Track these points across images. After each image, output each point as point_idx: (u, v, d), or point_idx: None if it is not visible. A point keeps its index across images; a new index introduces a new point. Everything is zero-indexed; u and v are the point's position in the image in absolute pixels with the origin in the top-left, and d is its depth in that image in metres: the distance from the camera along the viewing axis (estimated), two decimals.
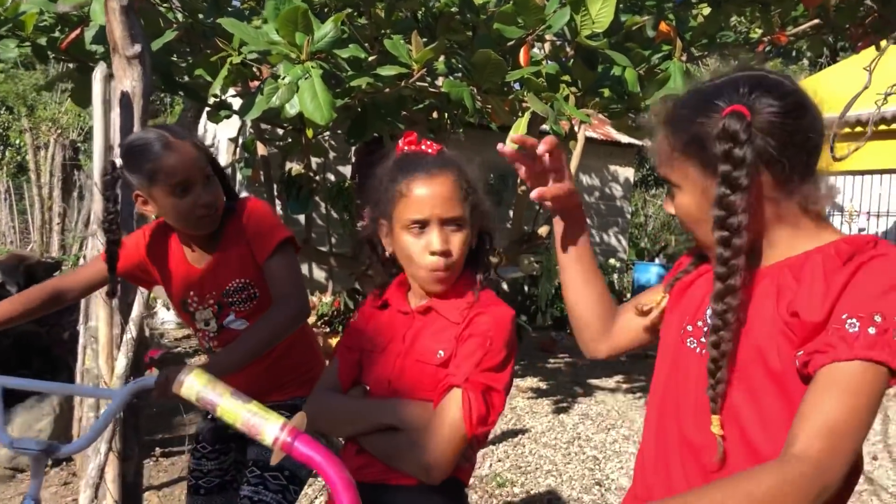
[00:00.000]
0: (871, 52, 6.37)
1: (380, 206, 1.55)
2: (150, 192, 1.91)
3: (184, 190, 1.90)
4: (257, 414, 0.92)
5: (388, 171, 1.55)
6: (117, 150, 2.37)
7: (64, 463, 3.96)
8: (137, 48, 2.57)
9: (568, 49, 4.57)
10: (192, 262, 2.06)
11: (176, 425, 4.81)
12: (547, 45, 5.02)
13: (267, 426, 0.91)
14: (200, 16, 4.84)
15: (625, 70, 4.20)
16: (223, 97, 6.17)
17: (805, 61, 16.57)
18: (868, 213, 10.47)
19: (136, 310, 2.66)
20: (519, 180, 6.91)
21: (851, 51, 12.43)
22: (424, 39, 4.01)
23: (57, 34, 4.99)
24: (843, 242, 1.08)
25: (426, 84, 4.13)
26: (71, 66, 5.17)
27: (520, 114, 4.05)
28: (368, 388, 1.58)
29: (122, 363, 2.60)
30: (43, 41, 5.01)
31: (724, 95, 1.12)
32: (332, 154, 9.71)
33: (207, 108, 6.01)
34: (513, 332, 1.49)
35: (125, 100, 2.58)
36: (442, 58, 3.96)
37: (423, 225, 1.47)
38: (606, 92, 4.26)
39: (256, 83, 5.35)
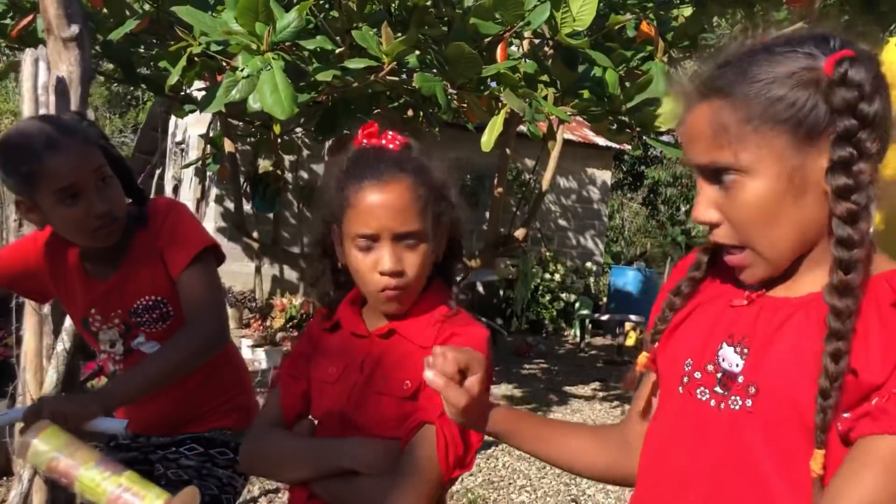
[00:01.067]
0: None
1: (332, 209, 1.34)
2: (32, 199, 1.60)
3: (73, 197, 1.58)
4: (129, 489, 0.70)
5: (341, 171, 1.33)
6: None
7: (4, 478, 3.71)
8: (75, 29, 2.33)
9: (546, 49, 4.40)
10: (94, 274, 1.77)
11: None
12: (525, 44, 4.83)
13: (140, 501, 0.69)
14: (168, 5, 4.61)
15: (605, 71, 4.03)
16: (190, 91, 5.94)
17: None
18: None
19: (69, 320, 2.42)
20: (496, 181, 6.73)
21: None
22: (398, 34, 3.81)
23: (8, 21, 4.74)
24: (887, 279, 0.88)
25: (398, 79, 3.92)
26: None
27: (496, 112, 3.85)
28: (317, 422, 1.37)
29: (51, 377, 2.36)
30: None
31: (811, 44, 0.89)
32: (305, 152, 9.48)
33: (171, 101, 5.76)
34: (489, 356, 1.26)
35: (61, 86, 2.34)
36: (415, 52, 3.74)
37: (372, 239, 1.26)
38: (586, 93, 4.08)
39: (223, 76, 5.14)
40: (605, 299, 11.72)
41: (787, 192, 0.89)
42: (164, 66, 4.89)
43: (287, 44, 3.30)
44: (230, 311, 8.19)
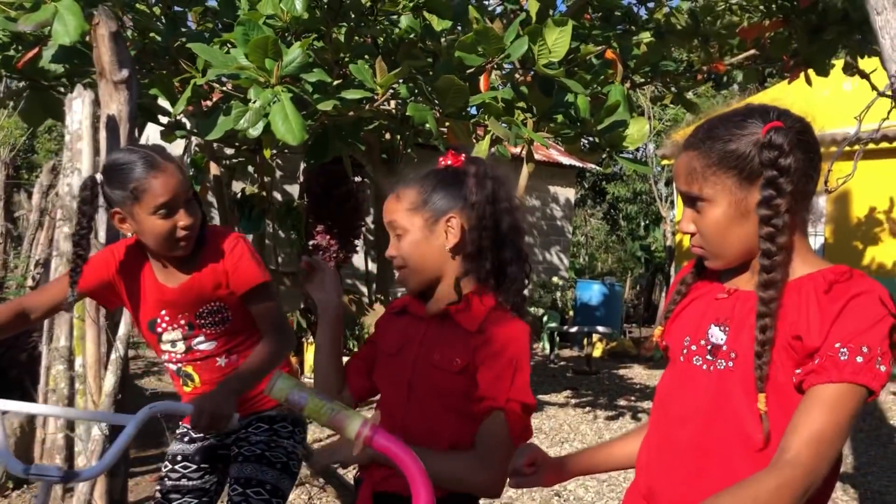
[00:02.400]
0: (799, 81, 6.78)
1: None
2: (131, 210, 1.91)
3: (168, 211, 1.90)
4: (340, 412, 1.02)
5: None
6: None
7: (25, 486, 3.92)
8: (125, 73, 2.63)
9: (517, 75, 4.75)
10: (164, 281, 2.06)
11: (157, 443, 4.78)
12: (498, 72, 5.20)
13: (350, 422, 1.01)
14: (152, 34, 4.87)
15: (577, 97, 4.40)
16: (178, 117, 6.19)
17: (735, 86, 17.24)
18: None
19: (123, 328, 2.69)
20: None
21: (779, 78, 13.01)
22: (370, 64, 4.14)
23: (12, 52, 4.95)
24: (830, 273, 1.24)
25: (389, 108, 4.26)
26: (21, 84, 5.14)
27: (479, 136, 4.19)
28: (380, 395, 1.70)
29: (110, 381, 2.63)
30: None
31: (757, 116, 1.27)
32: (278, 173, 9.74)
33: (161, 128, 6.01)
34: (527, 344, 1.58)
35: (111, 123, 2.63)
36: (401, 82, 4.08)
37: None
38: (560, 118, 4.45)
39: (208, 102, 5.41)
40: (571, 312, 12.12)
41: (735, 216, 1.27)
42: (153, 93, 5.13)
43: (290, 77, 3.62)
44: None
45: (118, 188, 1.90)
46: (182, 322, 2.07)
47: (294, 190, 10.24)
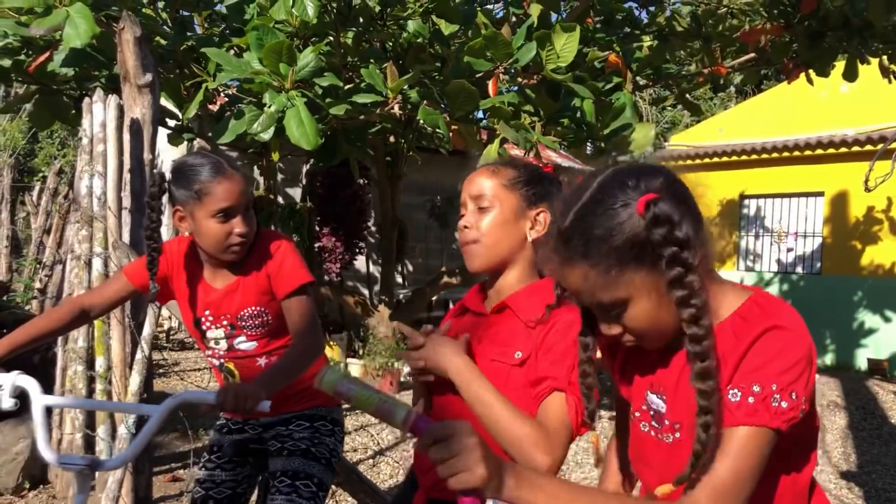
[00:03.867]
0: (799, 82, 6.85)
1: None
2: (192, 210, 1.96)
3: (226, 216, 1.95)
4: (387, 402, 1.07)
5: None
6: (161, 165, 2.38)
7: (41, 486, 3.96)
8: (149, 77, 2.68)
9: (520, 79, 4.82)
10: (210, 282, 2.12)
11: (171, 443, 4.83)
12: (506, 77, 5.26)
13: (396, 411, 1.06)
14: (158, 38, 4.92)
15: (583, 101, 4.47)
16: (184, 121, 6.25)
17: (732, 89, 17.35)
18: (795, 233, 11.03)
19: (148, 328, 2.74)
20: None
21: (776, 81, 13.10)
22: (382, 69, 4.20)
23: (23, 57, 5.00)
24: (740, 316, 1.16)
25: (395, 112, 4.32)
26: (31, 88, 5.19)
27: (485, 139, 4.25)
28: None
29: (135, 381, 2.68)
30: (7, 63, 5.01)
31: (617, 196, 1.11)
32: (280, 176, 9.79)
33: (168, 131, 6.06)
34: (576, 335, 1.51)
35: (135, 126, 2.68)
36: (409, 86, 4.13)
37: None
38: (566, 121, 4.51)
39: (213, 107, 5.46)
40: None
41: (659, 301, 1.12)
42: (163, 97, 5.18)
43: (303, 82, 3.68)
44: None
45: (183, 187, 1.95)
46: (224, 322, 2.12)
47: (296, 193, 10.29)
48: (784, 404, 1.08)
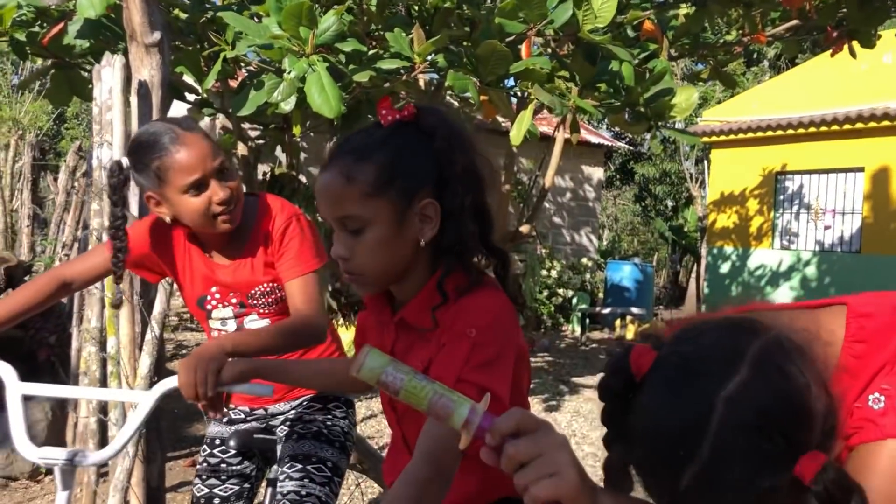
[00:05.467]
0: (825, 56, 6.53)
1: None
2: (161, 192, 1.76)
3: (198, 188, 1.74)
4: (444, 395, 0.84)
5: None
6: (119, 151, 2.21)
7: (44, 475, 3.83)
8: (157, 36, 2.48)
9: (552, 44, 4.56)
10: (215, 258, 1.93)
11: (193, 426, 4.70)
12: (540, 39, 5.01)
13: (456, 408, 0.84)
14: (177, 11, 4.74)
15: (622, 65, 4.21)
16: (203, 94, 6.07)
17: (766, 63, 16.88)
18: (834, 211, 10.68)
19: (158, 308, 2.57)
20: (503, 178, 6.90)
21: (811, 54, 12.68)
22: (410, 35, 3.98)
23: (37, 29, 4.84)
24: (854, 339, 1.01)
25: (426, 82, 4.10)
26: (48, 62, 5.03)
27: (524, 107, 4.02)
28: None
29: (145, 363, 2.51)
30: (22, 36, 4.85)
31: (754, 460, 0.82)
32: (303, 155, 9.61)
33: (189, 106, 5.89)
34: (507, 317, 1.25)
35: (143, 89, 2.49)
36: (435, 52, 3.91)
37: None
38: (603, 86, 4.26)
39: (233, 82, 5.27)
40: (600, 294, 11.93)
41: None
42: (181, 71, 5.00)
43: (325, 47, 3.46)
44: None
45: (142, 172, 1.76)
46: (234, 301, 1.94)
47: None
48: None
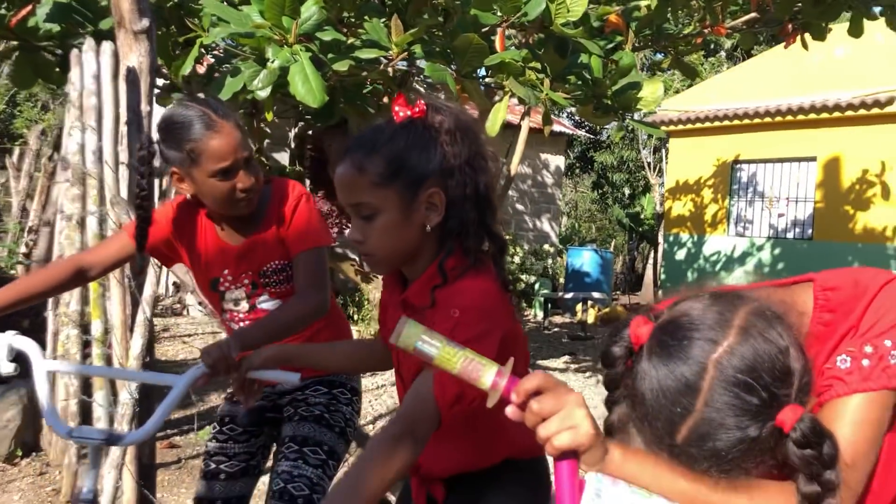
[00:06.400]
0: (780, 48, 6.75)
1: None
2: (189, 171, 1.82)
3: (226, 174, 1.81)
4: (473, 360, 0.94)
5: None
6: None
7: (33, 453, 3.85)
8: (145, 23, 2.52)
9: (525, 34, 4.66)
10: (226, 240, 1.99)
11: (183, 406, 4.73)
12: (513, 31, 5.11)
13: (484, 371, 0.94)
14: None
15: (591, 58, 4.33)
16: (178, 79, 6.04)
17: (722, 54, 17.21)
18: (787, 198, 10.99)
19: (149, 290, 2.62)
20: None
21: (766, 46, 12.99)
22: (386, 24, 4.04)
23: (3, 11, 4.79)
24: (823, 309, 1.14)
25: (395, 71, 4.16)
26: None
27: (496, 98, 4.12)
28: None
29: (137, 344, 2.56)
30: None
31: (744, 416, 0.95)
32: (265, 140, 9.59)
33: (157, 90, 5.86)
34: (493, 300, 1.33)
35: (132, 75, 2.52)
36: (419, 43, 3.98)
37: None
38: (573, 79, 4.38)
39: (201, 66, 5.27)
40: (561, 279, 12.13)
41: None
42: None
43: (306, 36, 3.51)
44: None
45: (174, 148, 1.80)
46: (246, 281, 2.00)
47: (283, 157, 10.11)
48: None
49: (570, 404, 0.91)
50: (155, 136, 1.86)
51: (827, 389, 1.05)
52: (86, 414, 3.44)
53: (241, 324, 2.04)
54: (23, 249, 6.02)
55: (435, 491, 1.50)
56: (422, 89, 7.12)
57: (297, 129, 8.71)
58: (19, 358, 1.77)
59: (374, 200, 1.32)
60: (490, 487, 1.46)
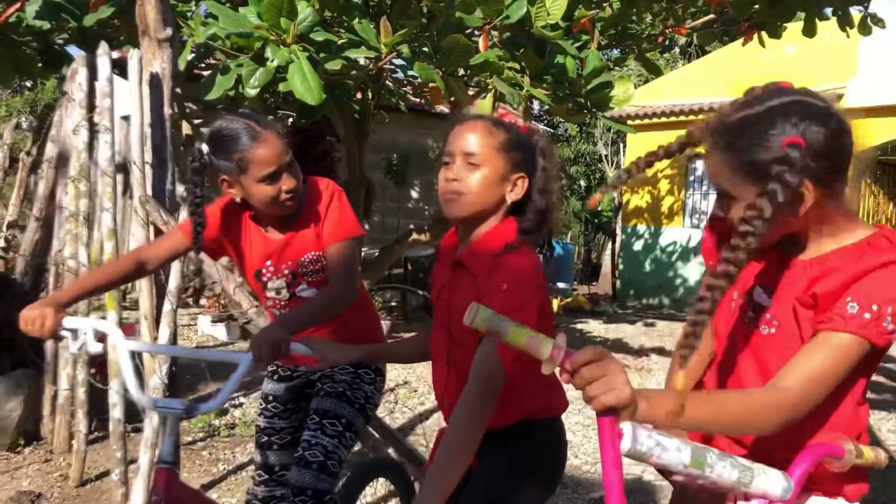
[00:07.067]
0: (735, 45, 7.10)
1: None
2: (237, 178, 2.01)
3: (272, 178, 1.99)
4: (535, 336, 1.15)
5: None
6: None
7: (35, 442, 3.94)
8: (169, 31, 2.66)
9: (495, 34, 4.87)
10: (269, 234, 2.18)
11: (194, 389, 4.83)
12: (495, 32, 5.31)
13: (543, 345, 1.15)
14: None
15: (566, 58, 4.57)
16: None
17: (677, 50, 17.67)
18: None
19: (174, 281, 2.76)
20: (432, 156, 7.18)
21: (720, 43, 13.41)
22: (373, 25, 4.22)
23: None
24: (868, 243, 1.34)
25: (372, 67, 4.34)
26: None
27: (483, 96, 4.33)
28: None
29: (165, 333, 2.70)
30: None
31: (778, 126, 1.27)
32: None
33: None
34: (534, 276, 1.59)
35: (155, 80, 2.67)
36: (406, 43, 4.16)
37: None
38: (549, 78, 4.61)
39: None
40: None
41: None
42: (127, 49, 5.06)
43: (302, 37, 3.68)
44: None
45: (224, 158, 1.99)
46: (286, 271, 2.18)
47: None
48: (891, 326, 1.25)
49: (613, 372, 1.10)
50: (206, 148, 2.03)
51: (829, 320, 1.28)
52: (91, 401, 3.56)
53: (283, 311, 2.22)
54: (1, 243, 6.03)
55: None
56: (391, 85, 7.30)
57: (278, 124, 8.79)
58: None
59: (486, 155, 1.66)
60: (502, 442, 1.72)
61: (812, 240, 1.39)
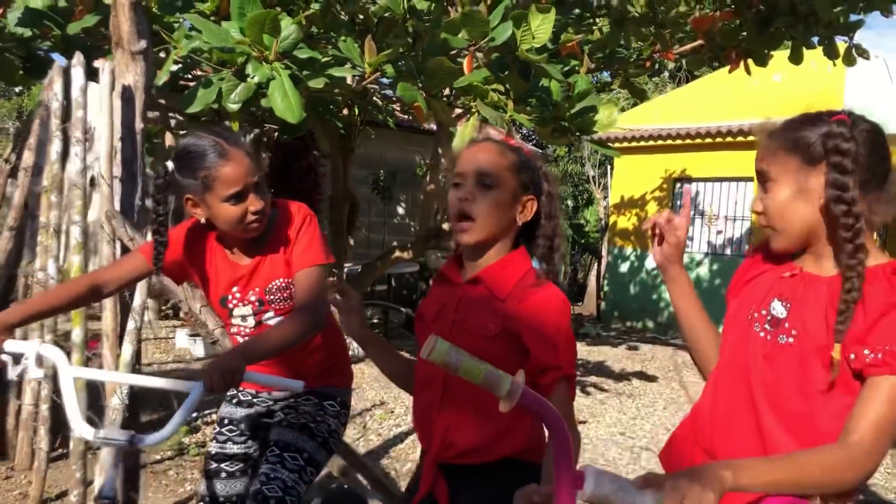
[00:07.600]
0: (723, 71, 7.14)
1: None
2: (203, 197, 1.94)
3: (238, 198, 1.93)
4: (493, 372, 1.11)
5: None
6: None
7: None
8: (143, 44, 2.62)
9: (480, 55, 4.85)
10: (235, 259, 2.10)
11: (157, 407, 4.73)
12: (480, 55, 5.29)
13: (501, 381, 1.10)
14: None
15: (551, 82, 4.55)
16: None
17: (666, 74, 17.76)
18: (725, 217, 11.44)
19: (138, 300, 2.70)
20: (428, 177, 7.17)
21: (710, 68, 13.50)
22: (358, 42, 4.18)
23: None
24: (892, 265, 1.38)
25: (376, 86, 4.31)
26: None
27: (466, 118, 4.29)
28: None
29: (127, 351, 2.65)
30: None
31: (827, 115, 1.41)
32: None
33: None
34: (560, 319, 1.66)
35: (127, 94, 2.62)
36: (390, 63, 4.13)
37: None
38: (534, 101, 4.59)
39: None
40: None
41: (796, 196, 1.44)
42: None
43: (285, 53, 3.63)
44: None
45: (189, 176, 1.92)
46: (252, 298, 2.11)
47: None
48: None
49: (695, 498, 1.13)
50: (171, 165, 1.96)
51: (882, 364, 1.30)
52: (55, 417, 3.49)
53: (247, 339, 2.14)
54: None
55: (438, 490, 1.68)
56: (379, 101, 7.28)
57: (251, 136, 8.76)
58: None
59: (500, 176, 1.69)
60: (485, 479, 1.69)
61: (829, 257, 1.45)
